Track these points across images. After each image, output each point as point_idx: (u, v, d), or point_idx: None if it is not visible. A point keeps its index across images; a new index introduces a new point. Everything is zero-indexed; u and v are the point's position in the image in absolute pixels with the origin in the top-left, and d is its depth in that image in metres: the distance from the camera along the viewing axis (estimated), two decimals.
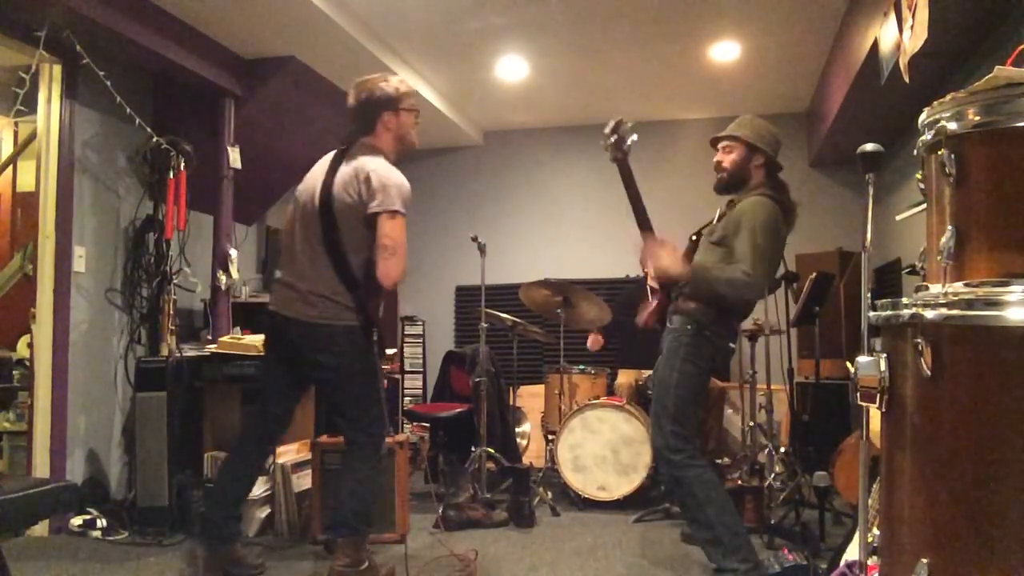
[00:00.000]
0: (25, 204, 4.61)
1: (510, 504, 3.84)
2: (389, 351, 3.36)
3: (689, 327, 2.73)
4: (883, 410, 1.50)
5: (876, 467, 1.69)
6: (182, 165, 4.08)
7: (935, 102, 1.46)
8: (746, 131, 2.84)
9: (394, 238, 2.63)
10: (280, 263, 2.87)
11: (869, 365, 1.50)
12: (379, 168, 2.71)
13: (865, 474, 1.72)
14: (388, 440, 3.48)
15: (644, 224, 2.76)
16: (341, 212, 2.70)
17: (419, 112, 2.94)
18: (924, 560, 1.34)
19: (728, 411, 4.91)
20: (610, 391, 4.80)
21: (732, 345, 2.84)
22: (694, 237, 2.95)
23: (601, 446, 4.15)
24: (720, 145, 2.92)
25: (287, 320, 2.77)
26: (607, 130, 2.67)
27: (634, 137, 2.67)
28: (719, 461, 4.33)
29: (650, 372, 4.61)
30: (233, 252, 4.38)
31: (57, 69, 3.70)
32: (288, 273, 2.82)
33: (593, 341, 5.00)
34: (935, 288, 1.42)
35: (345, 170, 2.74)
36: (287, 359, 2.85)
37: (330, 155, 2.86)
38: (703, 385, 2.82)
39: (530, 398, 5.41)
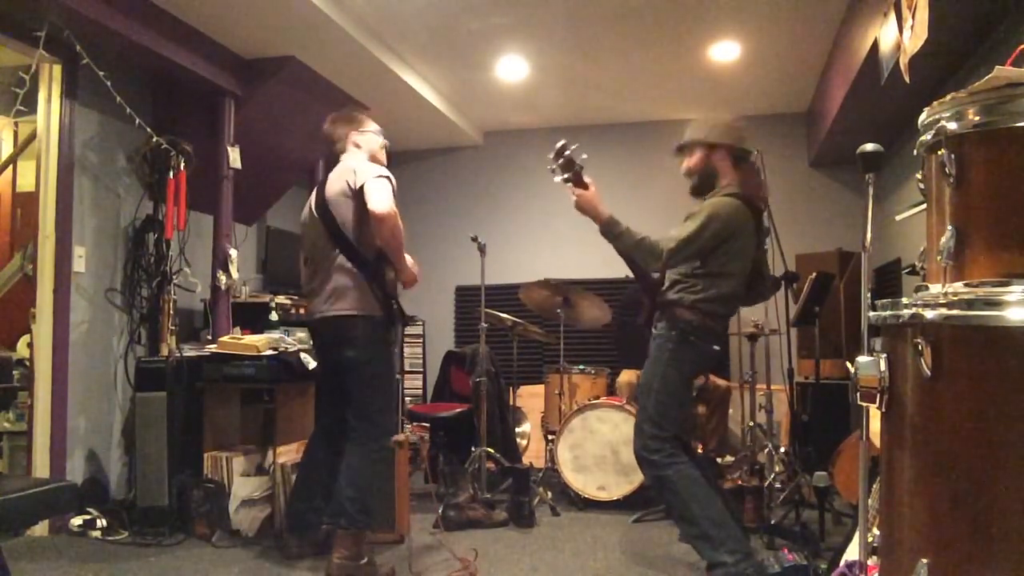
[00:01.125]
0: (25, 204, 4.61)
1: (510, 504, 3.84)
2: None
3: (674, 332, 2.76)
4: (883, 410, 1.50)
5: (876, 467, 1.69)
6: (182, 165, 4.07)
7: (935, 102, 1.46)
8: (698, 132, 2.93)
9: (375, 186, 2.85)
10: (305, 289, 3.14)
11: (869, 365, 1.50)
12: (361, 161, 3.06)
13: (865, 474, 1.72)
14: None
15: (580, 185, 2.76)
16: (336, 204, 2.95)
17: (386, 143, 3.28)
18: (924, 560, 1.34)
19: (730, 410, 4.91)
20: (610, 391, 4.80)
21: (717, 348, 2.86)
22: None
23: (601, 446, 4.15)
24: (684, 153, 2.99)
25: (318, 323, 3.02)
26: (551, 155, 2.71)
27: (584, 156, 2.73)
28: (720, 460, 4.34)
29: None
30: (233, 252, 4.37)
31: (57, 69, 3.70)
32: (312, 286, 3.05)
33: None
34: (935, 288, 1.42)
35: (334, 174, 3.04)
36: (327, 363, 3.14)
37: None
38: (686, 389, 2.87)
39: (530, 398, 5.41)
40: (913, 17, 2.86)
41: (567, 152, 2.69)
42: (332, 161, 3.18)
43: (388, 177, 2.92)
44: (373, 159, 3.13)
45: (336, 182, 2.99)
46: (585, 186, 2.75)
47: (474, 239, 4.35)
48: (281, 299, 4.65)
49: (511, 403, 4.88)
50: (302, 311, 4.78)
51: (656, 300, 2.89)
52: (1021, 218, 1.33)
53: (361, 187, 2.87)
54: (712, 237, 2.70)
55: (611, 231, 2.72)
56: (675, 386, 2.78)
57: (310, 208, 3.07)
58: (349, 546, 2.81)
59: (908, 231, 4.56)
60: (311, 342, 3.45)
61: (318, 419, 3.27)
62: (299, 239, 3.23)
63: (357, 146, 3.13)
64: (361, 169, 2.95)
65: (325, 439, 3.17)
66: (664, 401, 2.75)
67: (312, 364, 3.65)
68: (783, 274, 3.83)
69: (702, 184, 2.94)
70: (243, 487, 3.56)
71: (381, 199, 2.82)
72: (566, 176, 2.72)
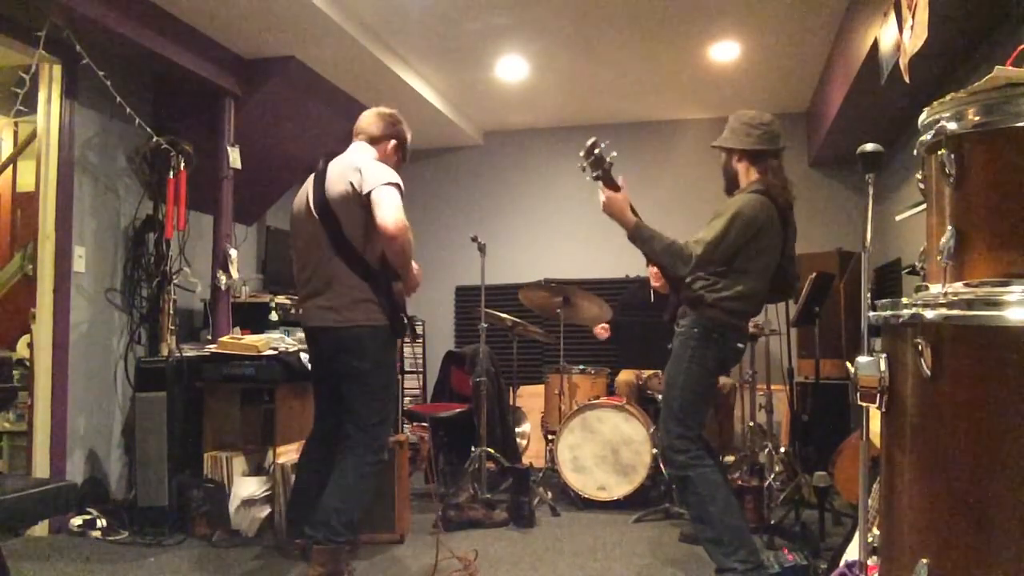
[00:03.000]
0: (25, 204, 4.61)
1: (510, 504, 3.84)
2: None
3: (696, 329, 2.73)
4: (883, 410, 1.50)
5: (876, 467, 1.69)
6: (182, 165, 4.07)
7: (935, 102, 1.45)
8: (722, 136, 2.91)
9: (385, 196, 2.69)
10: (299, 285, 2.98)
11: (869, 365, 1.50)
12: (368, 160, 2.85)
13: (865, 474, 1.72)
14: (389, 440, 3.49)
15: (611, 184, 2.73)
16: (339, 206, 2.77)
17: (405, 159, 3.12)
18: (924, 560, 1.34)
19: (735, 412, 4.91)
20: (610, 391, 4.80)
21: (740, 345, 2.83)
22: None
23: (601, 446, 4.15)
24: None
25: (317, 331, 2.89)
26: (582, 152, 2.67)
27: (614, 153, 2.68)
28: (722, 458, 4.33)
29: (650, 372, 4.64)
30: (233, 252, 4.37)
31: (57, 69, 3.70)
32: (308, 289, 2.90)
33: (600, 330, 4.91)
34: (935, 288, 1.42)
35: (335, 168, 2.84)
36: (325, 370, 2.98)
37: (312, 175, 2.94)
38: (710, 386, 2.82)
39: (530, 398, 5.41)
40: (913, 17, 2.86)
41: (597, 150, 2.65)
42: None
43: (398, 184, 2.75)
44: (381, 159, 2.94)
45: (339, 181, 2.78)
46: (616, 187, 2.71)
47: (474, 239, 4.35)
48: (281, 299, 4.65)
49: (511, 403, 4.88)
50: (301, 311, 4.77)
51: (680, 297, 2.87)
52: (1021, 218, 1.33)
53: (368, 194, 2.70)
54: (738, 235, 2.66)
55: (640, 235, 2.68)
56: (699, 384, 2.75)
57: (307, 204, 2.85)
58: (326, 561, 2.70)
59: (908, 231, 4.56)
60: (306, 345, 3.33)
61: (315, 423, 3.17)
62: (292, 233, 3.04)
63: (372, 142, 2.95)
64: (368, 170, 2.75)
65: (322, 444, 3.09)
66: (689, 399, 2.73)
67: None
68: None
69: (728, 185, 2.93)
70: (243, 487, 3.55)
71: (391, 213, 2.65)
72: (596, 174, 2.68)
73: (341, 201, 2.76)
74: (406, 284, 2.88)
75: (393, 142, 2.99)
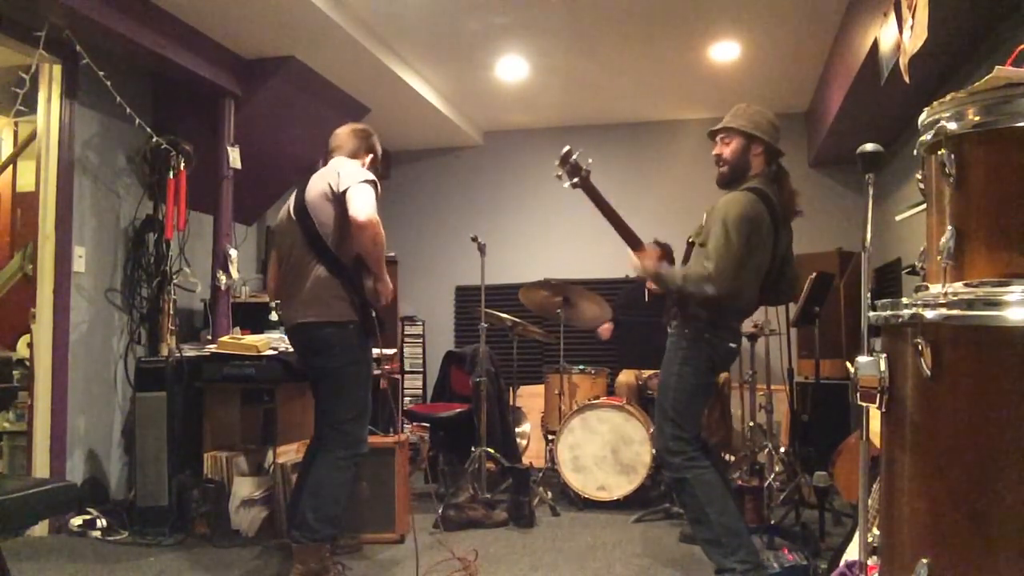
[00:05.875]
0: (25, 204, 4.61)
1: (510, 504, 3.84)
2: (388, 351, 3.37)
3: (687, 330, 2.73)
4: (883, 410, 1.50)
5: (876, 467, 1.69)
6: (182, 165, 4.08)
7: (935, 102, 1.45)
8: (742, 120, 2.79)
9: (359, 191, 2.75)
10: (280, 295, 3.04)
11: (869, 365, 1.50)
12: (348, 164, 2.93)
13: (865, 474, 1.72)
14: (389, 440, 3.49)
15: (631, 241, 2.78)
16: (315, 205, 2.84)
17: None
18: (924, 560, 1.34)
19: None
20: (610, 391, 4.80)
21: (733, 346, 2.80)
22: (690, 240, 2.93)
23: (601, 446, 4.15)
24: (718, 137, 2.86)
25: (292, 330, 2.93)
26: (557, 162, 2.70)
27: (590, 161, 2.70)
28: (724, 455, 4.33)
29: (650, 372, 4.64)
30: (233, 252, 4.37)
31: (57, 69, 3.70)
32: (287, 294, 2.95)
33: (604, 330, 4.93)
34: (935, 288, 1.42)
35: (316, 176, 2.94)
36: (306, 370, 3.02)
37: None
38: (704, 387, 2.80)
39: (530, 398, 5.41)
40: (913, 17, 2.86)
41: (572, 158, 2.67)
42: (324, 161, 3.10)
43: (373, 182, 2.83)
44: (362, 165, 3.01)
45: (318, 184, 2.87)
46: (638, 244, 2.78)
47: (474, 239, 4.35)
48: None
49: (511, 403, 4.87)
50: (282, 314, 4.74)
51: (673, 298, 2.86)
52: (1021, 218, 1.33)
53: (344, 192, 2.77)
54: (739, 235, 2.60)
55: (665, 280, 2.74)
56: (692, 385, 2.73)
57: (288, 211, 2.95)
58: (306, 559, 2.70)
59: (908, 231, 4.56)
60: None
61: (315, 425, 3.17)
62: (275, 246, 3.12)
63: (351, 156, 3.03)
64: (345, 172, 2.84)
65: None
66: (682, 400, 2.72)
67: None
68: None
69: (733, 175, 2.81)
70: (243, 487, 3.56)
71: (363, 206, 2.71)
72: (574, 182, 2.70)
73: (317, 200, 2.84)
74: (379, 280, 2.87)
75: (370, 156, 3.08)
